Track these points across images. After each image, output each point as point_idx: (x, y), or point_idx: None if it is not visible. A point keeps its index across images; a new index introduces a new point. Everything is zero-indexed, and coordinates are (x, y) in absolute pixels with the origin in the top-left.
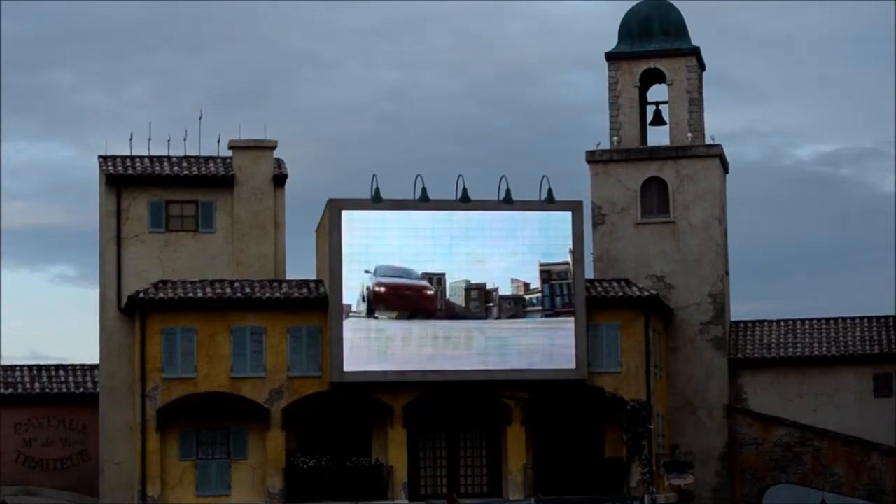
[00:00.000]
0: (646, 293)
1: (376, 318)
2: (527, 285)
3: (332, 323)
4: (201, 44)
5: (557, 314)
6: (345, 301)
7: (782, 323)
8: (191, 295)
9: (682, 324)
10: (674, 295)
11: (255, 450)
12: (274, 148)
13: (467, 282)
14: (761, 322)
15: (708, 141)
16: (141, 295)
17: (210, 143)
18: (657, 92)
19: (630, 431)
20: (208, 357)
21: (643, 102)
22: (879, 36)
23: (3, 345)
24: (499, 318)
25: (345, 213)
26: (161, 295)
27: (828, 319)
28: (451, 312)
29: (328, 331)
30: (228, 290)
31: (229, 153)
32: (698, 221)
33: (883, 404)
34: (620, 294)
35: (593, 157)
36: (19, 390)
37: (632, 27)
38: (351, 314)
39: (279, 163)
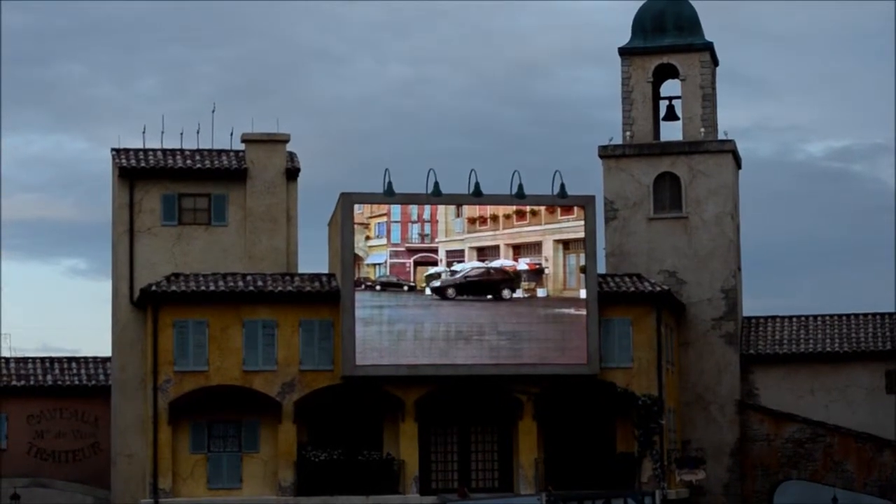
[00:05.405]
0: (658, 288)
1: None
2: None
3: (344, 316)
4: (213, 38)
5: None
6: None
7: (794, 319)
8: (203, 288)
9: (694, 319)
10: (686, 290)
11: (266, 443)
12: (286, 141)
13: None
14: (773, 318)
15: (721, 136)
16: (153, 288)
17: (223, 137)
18: (670, 87)
19: (641, 426)
20: (220, 350)
21: (656, 97)
22: (892, 32)
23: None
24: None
25: (357, 207)
26: (173, 288)
27: (840, 315)
28: None
29: (340, 324)
30: (241, 284)
31: (242, 147)
32: (711, 217)
33: (894, 401)
34: (632, 289)
35: (606, 152)
36: (31, 382)
37: (645, 22)
38: None
39: (292, 156)
